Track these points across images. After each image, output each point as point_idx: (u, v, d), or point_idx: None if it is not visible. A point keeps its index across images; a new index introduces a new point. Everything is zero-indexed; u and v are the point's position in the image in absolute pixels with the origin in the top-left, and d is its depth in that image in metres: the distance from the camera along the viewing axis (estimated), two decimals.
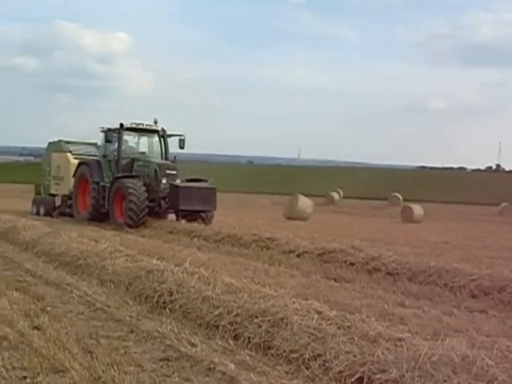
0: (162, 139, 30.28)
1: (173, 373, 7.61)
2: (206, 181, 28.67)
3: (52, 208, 33.69)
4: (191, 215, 27.15)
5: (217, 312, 9.78)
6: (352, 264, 15.67)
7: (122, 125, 28.92)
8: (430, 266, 14.97)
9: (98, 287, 12.52)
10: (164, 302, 10.92)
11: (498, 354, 7.55)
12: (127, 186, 26.79)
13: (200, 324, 9.79)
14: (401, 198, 76.34)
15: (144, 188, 26.67)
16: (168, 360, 8.15)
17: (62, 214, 32.33)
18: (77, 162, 31.88)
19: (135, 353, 8.41)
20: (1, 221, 24.42)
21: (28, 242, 18.22)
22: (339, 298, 12.28)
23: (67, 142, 35.03)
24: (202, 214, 27.56)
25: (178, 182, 27.52)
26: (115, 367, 7.50)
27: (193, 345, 8.67)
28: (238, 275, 12.83)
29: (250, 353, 8.41)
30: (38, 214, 33.94)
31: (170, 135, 30.30)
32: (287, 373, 7.74)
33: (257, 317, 9.17)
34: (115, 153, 29.33)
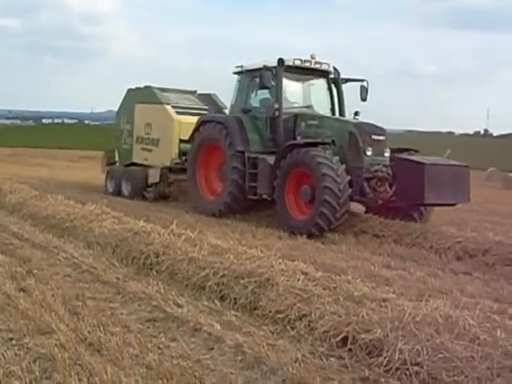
0: (333, 86, 19.90)
1: (159, 333, 7.64)
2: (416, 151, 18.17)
3: (143, 185, 23.11)
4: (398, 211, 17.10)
5: (203, 273, 9.82)
6: (339, 226, 15.69)
7: (281, 61, 18.37)
8: (415, 229, 15.09)
9: (85, 249, 12.48)
10: (151, 264, 10.96)
11: (481, 315, 7.66)
12: (318, 162, 15.61)
13: (186, 285, 9.83)
14: None
15: (343, 166, 15.85)
16: (154, 321, 8.19)
17: (162, 196, 22.66)
18: (181, 118, 22.67)
19: (121, 314, 8.44)
20: None
21: (14, 205, 18.08)
22: (325, 259, 12.36)
23: (161, 90, 24.41)
24: (418, 210, 17.38)
25: (404, 155, 17.34)
26: (101, 328, 7.53)
27: (179, 306, 8.72)
28: (224, 237, 12.89)
29: (236, 313, 8.48)
30: (118, 193, 24.07)
31: (347, 80, 19.92)
32: (273, 333, 7.81)
33: (243, 278, 9.23)
34: (270, 105, 18.67)
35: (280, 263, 9.72)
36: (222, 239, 12.28)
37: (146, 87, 24.60)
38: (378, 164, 16.60)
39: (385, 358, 6.72)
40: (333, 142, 16.90)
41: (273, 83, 18.37)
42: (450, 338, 6.73)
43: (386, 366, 6.66)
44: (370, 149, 16.58)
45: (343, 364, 6.89)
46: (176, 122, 22.64)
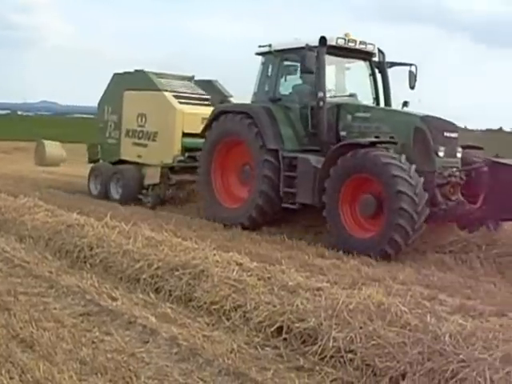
0: (376, 70, 16.68)
1: (93, 327, 7.61)
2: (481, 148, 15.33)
3: (138, 187, 19.58)
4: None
5: (137, 265, 9.80)
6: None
7: (324, 40, 14.96)
8: None
9: (17, 243, 12.32)
10: (84, 257, 10.88)
11: (412, 301, 7.87)
12: (384, 163, 12.68)
13: (121, 278, 9.80)
14: None
15: (414, 166, 12.77)
16: (88, 315, 8.15)
17: (162, 200, 19.32)
18: (184, 108, 19.44)
19: (55, 309, 8.37)
20: None
21: None
22: (260, 250, 12.41)
23: (156, 74, 20.83)
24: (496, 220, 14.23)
25: (499, 159, 14.15)
26: (34, 324, 7.47)
27: (113, 299, 8.68)
28: (159, 229, 12.82)
29: (171, 305, 8.49)
30: (105, 196, 20.48)
31: (393, 64, 16.74)
32: (208, 324, 7.84)
33: (177, 270, 9.25)
34: (306, 93, 15.73)
35: (215, 254, 9.80)
36: (156, 231, 12.24)
37: (138, 71, 20.88)
38: (451, 167, 13.54)
39: (319, 346, 6.83)
40: (392, 138, 13.89)
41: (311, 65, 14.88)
42: (383, 325, 6.87)
43: (320, 354, 6.76)
44: (442, 149, 13.48)
45: (278, 353, 6.96)
46: (179, 112, 19.22)
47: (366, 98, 16.31)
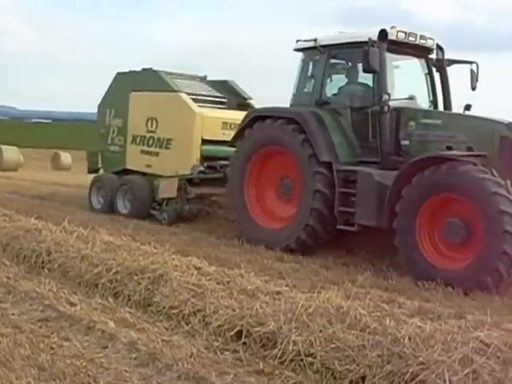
0: (433, 69, 14.53)
1: (52, 333, 7.53)
2: None
3: (149, 202, 17.53)
4: None
5: (96, 270, 9.74)
6: (233, 221, 15.62)
7: (385, 34, 12.93)
8: None
9: None
10: (42, 262, 10.79)
11: (371, 304, 7.91)
12: (480, 179, 10.76)
13: (79, 283, 9.73)
14: None
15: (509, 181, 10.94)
16: (47, 320, 8.08)
17: (179, 217, 16.95)
18: (203, 111, 17.21)
19: (13, 314, 8.28)
20: None
21: None
22: (219, 254, 12.39)
23: (169, 74, 18.51)
24: None
25: None
26: None
27: (72, 304, 8.61)
28: (117, 233, 12.77)
29: (129, 310, 8.45)
30: (110, 210, 18.24)
31: (452, 61, 14.50)
32: (167, 329, 7.82)
33: (136, 274, 9.20)
34: (361, 96, 13.84)
35: (174, 259, 9.78)
36: (114, 236, 12.19)
37: (146, 70, 18.57)
38: None
39: (279, 350, 6.83)
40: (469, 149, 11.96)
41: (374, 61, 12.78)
42: (342, 328, 6.90)
43: (280, 357, 6.76)
44: None
45: (238, 357, 6.95)
46: (198, 115, 16.89)
47: (423, 101, 14.31)
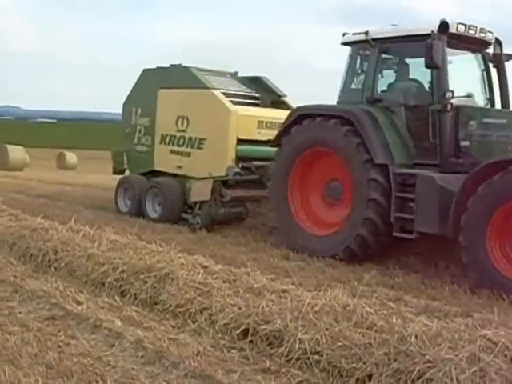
0: (490, 65, 13.48)
1: (58, 331, 7.54)
2: None
3: (181, 205, 16.59)
4: None
5: (102, 269, 9.75)
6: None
7: (445, 26, 12.07)
8: None
9: None
10: (49, 261, 10.81)
11: (377, 302, 7.90)
12: None
13: (86, 281, 9.74)
14: None
15: None
16: (54, 319, 8.08)
17: (214, 221, 15.82)
18: (238, 109, 16.26)
19: (20, 313, 8.29)
20: None
21: None
22: (225, 252, 12.41)
23: (200, 70, 17.64)
24: None
25: None
26: None
27: (79, 303, 8.62)
28: (123, 232, 12.76)
29: (136, 309, 8.45)
30: (139, 213, 17.21)
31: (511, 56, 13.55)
32: (173, 327, 7.82)
33: (143, 273, 9.21)
34: (416, 93, 13.13)
35: (180, 257, 9.78)
36: (120, 234, 12.19)
37: (175, 66, 17.77)
38: None
39: (285, 348, 6.83)
40: None
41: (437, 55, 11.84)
42: (349, 326, 6.89)
43: (286, 356, 6.76)
44: None
45: (244, 356, 6.95)
46: (233, 114, 16.00)
47: (480, 98, 13.35)
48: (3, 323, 7.67)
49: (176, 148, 17.13)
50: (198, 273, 9.03)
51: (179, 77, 17.28)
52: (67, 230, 12.02)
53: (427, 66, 12.04)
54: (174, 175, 17.07)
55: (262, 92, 18.04)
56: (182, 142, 17.00)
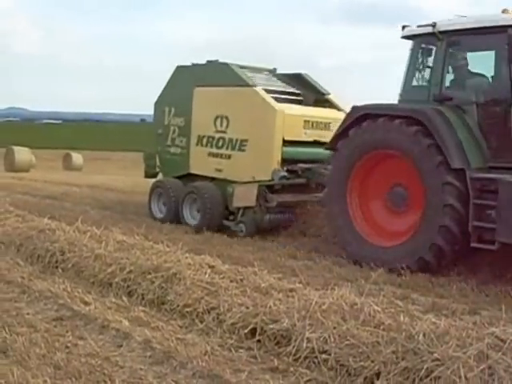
0: None
1: (66, 332, 7.55)
2: None
3: (222, 211, 15.51)
4: None
5: (110, 269, 9.76)
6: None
7: None
8: (320, 220, 14.96)
9: None
10: (56, 262, 10.82)
11: (385, 300, 7.92)
12: None
13: (93, 282, 9.75)
14: None
15: None
16: (61, 319, 8.10)
17: (259, 229, 14.93)
18: (284, 108, 15.01)
19: (27, 314, 8.30)
20: None
21: None
22: (232, 252, 12.42)
23: (241, 67, 16.40)
24: None
25: None
26: (7, 329, 7.40)
27: (86, 303, 8.64)
28: (130, 232, 12.77)
29: (143, 309, 8.46)
30: (175, 220, 16.15)
31: None
32: (181, 327, 7.83)
33: (150, 273, 9.22)
34: (489, 90, 11.96)
35: (187, 257, 9.79)
36: (127, 235, 12.19)
37: (212, 62, 16.62)
38: None
39: (293, 347, 6.84)
40: None
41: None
42: (356, 325, 6.90)
43: (294, 355, 6.77)
44: None
45: (252, 355, 6.96)
46: (279, 113, 14.76)
47: None
48: (11, 324, 7.67)
49: (215, 150, 16.00)
50: (205, 272, 9.04)
51: (217, 74, 16.13)
52: (74, 230, 12.02)
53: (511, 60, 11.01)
54: (212, 179, 16.04)
55: (304, 90, 16.87)
56: (221, 143, 15.88)
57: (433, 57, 12.31)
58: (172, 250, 10.41)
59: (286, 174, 14.56)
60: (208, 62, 16.57)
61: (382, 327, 6.81)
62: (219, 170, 15.82)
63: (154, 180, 17.96)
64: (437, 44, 12.13)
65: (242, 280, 8.84)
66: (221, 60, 16.36)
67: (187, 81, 16.76)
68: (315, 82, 16.92)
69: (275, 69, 17.69)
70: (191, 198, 15.93)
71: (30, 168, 40.43)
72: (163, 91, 17.73)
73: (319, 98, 16.58)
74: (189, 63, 17.14)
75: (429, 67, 12.42)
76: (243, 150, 15.25)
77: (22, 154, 40.85)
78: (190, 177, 16.66)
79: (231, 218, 15.29)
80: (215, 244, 13.34)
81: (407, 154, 11.49)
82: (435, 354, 5.96)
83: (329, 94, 16.65)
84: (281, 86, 16.65)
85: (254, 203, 14.54)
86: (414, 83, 12.58)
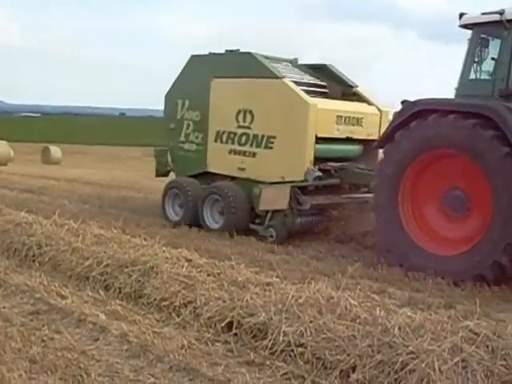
0: None
1: (43, 326, 7.54)
2: None
3: (248, 214, 14.24)
4: None
5: (87, 263, 9.74)
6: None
7: None
8: None
9: None
10: (33, 255, 10.77)
11: (361, 295, 7.94)
12: None
13: (70, 276, 9.72)
14: None
15: None
16: (38, 313, 8.08)
17: (290, 233, 13.71)
18: (317, 102, 13.72)
19: (3, 308, 8.27)
20: None
21: None
22: (210, 246, 12.42)
23: (266, 58, 14.99)
24: None
25: None
26: None
27: (63, 297, 8.62)
28: (107, 226, 12.73)
29: (120, 302, 8.45)
30: (195, 223, 14.77)
31: None
32: (158, 321, 7.84)
33: (127, 266, 9.22)
34: None
35: (164, 251, 9.79)
36: (105, 228, 12.16)
37: (232, 51, 15.22)
38: None
39: (269, 340, 6.86)
40: None
41: None
42: (333, 319, 6.94)
43: (271, 348, 6.80)
44: None
45: (229, 348, 6.98)
46: (312, 108, 13.46)
47: None
48: None
49: (237, 147, 14.69)
50: (183, 266, 9.04)
51: (239, 64, 14.78)
52: (51, 224, 11.98)
53: None
54: (232, 178, 14.86)
55: (330, 82, 15.63)
56: (244, 140, 14.55)
57: (498, 48, 11.19)
58: (149, 244, 10.41)
59: (320, 174, 13.47)
60: (227, 51, 15.25)
61: (358, 321, 6.85)
62: (242, 169, 14.60)
63: (157, 179, 17.48)
64: (503, 34, 11.04)
65: (219, 274, 8.85)
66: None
67: (203, 71, 15.44)
68: (342, 74, 15.77)
69: (296, 59, 16.35)
70: (212, 200, 14.67)
71: (8, 161, 40.18)
72: (175, 82, 16.42)
73: (347, 91, 15.40)
74: (191, 54, 16.05)
75: (493, 59, 11.31)
76: (270, 148, 14.02)
77: (0, 147, 40.60)
78: (206, 176, 15.51)
79: (258, 221, 14.15)
80: (192, 238, 13.34)
81: (469, 153, 10.45)
82: (410, 347, 6.01)
83: (357, 86, 15.48)
84: (307, 78, 15.42)
85: (286, 206, 13.37)
86: (471, 76, 11.53)
